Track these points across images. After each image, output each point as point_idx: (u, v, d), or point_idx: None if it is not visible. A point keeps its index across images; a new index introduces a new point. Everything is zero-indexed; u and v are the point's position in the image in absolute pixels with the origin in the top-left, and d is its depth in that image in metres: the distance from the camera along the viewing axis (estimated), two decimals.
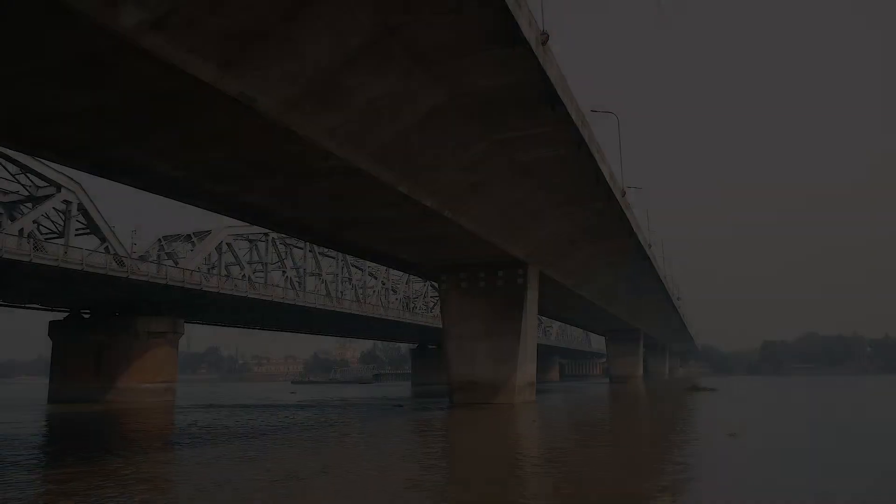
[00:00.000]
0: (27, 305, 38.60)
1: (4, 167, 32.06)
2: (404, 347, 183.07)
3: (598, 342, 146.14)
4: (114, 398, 35.39)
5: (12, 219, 33.73)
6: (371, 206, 19.27)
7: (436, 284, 76.01)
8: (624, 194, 24.75)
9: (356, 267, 58.97)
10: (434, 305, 77.84)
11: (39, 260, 27.64)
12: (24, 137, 15.01)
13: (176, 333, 37.86)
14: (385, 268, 64.84)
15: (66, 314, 39.46)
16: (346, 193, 17.78)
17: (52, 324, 38.74)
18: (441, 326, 68.77)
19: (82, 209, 34.23)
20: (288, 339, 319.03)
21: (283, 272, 48.87)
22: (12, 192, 34.33)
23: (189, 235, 43.85)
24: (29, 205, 34.71)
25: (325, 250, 54.68)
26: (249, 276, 44.50)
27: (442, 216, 20.14)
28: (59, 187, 33.11)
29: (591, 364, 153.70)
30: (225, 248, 43.63)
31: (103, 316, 37.37)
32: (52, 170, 32.58)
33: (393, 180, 16.70)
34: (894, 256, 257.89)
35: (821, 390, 49.85)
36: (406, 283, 69.90)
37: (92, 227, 35.13)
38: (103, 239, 35.14)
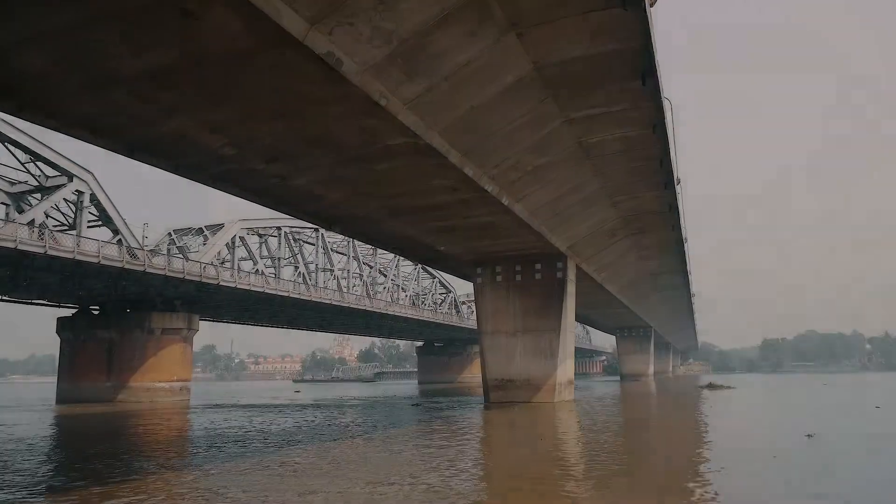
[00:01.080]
0: (33, 302, 37.00)
1: (13, 155, 30.48)
2: (403, 345, 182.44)
3: (596, 340, 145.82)
4: (127, 398, 33.94)
5: (20, 210, 32.17)
6: (427, 191, 17.96)
7: (446, 283, 75.32)
8: (678, 182, 23.55)
9: (366, 264, 57.72)
10: (441, 303, 76.78)
11: (55, 252, 26.14)
12: (60, 112, 13.67)
13: (191, 330, 36.43)
14: (394, 265, 63.81)
15: (75, 311, 37.91)
16: (405, 176, 16.46)
17: (61, 320, 37.18)
18: (453, 324, 67.54)
19: (94, 200, 32.70)
20: (283, 338, 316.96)
21: (296, 267, 47.49)
22: (20, 182, 32.76)
23: (200, 229, 42.45)
24: (37, 195, 33.17)
25: (337, 246, 53.37)
26: (262, 272, 43.07)
27: (499, 203, 18.88)
28: (70, 176, 31.57)
29: (591, 362, 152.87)
30: (238, 242, 42.21)
31: (115, 312, 35.84)
32: (64, 158, 31.06)
33: (459, 161, 15.41)
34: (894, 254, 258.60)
35: (840, 388, 49.02)
36: (416, 280, 68.65)
37: (104, 219, 33.63)
38: (116, 231, 33.64)
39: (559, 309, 27.49)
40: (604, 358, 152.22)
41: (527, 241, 24.76)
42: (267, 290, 38.19)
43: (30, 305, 37.70)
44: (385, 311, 53.91)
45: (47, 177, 32.43)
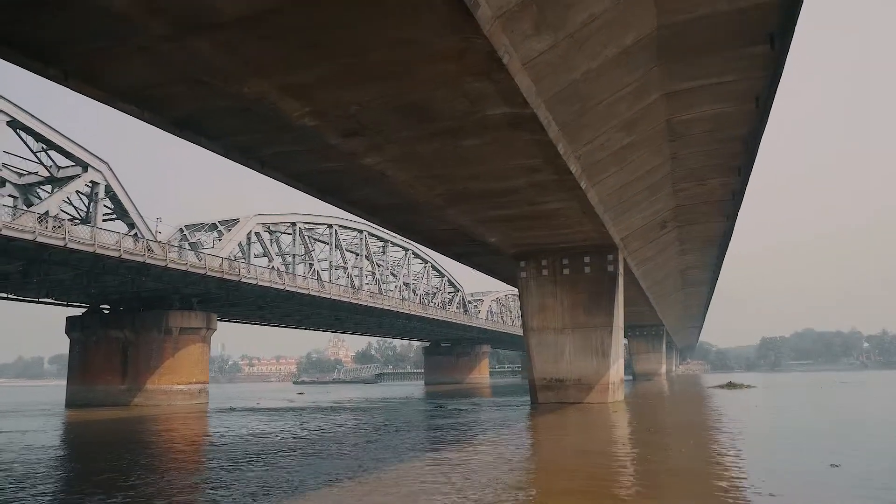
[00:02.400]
0: (40, 300, 34.99)
1: (25, 143, 28.59)
2: (400, 346, 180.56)
3: None
4: (144, 401, 32.08)
5: (28, 203, 30.27)
6: (504, 173, 16.48)
7: (455, 281, 73.74)
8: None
9: (378, 264, 56.10)
10: (449, 302, 75.13)
11: (76, 245, 24.32)
12: (110, 79, 12.12)
13: (209, 329, 34.60)
14: (405, 263, 62.16)
15: (84, 310, 35.99)
16: (489, 155, 14.96)
17: (71, 320, 35.25)
18: (469, 324, 66.11)
19: (110, 192, 30.85)
20: (274, 340, 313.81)
21: (310, 265, 45.78)
22: (30, 173, 30.85)
23: (214, 224, 40.71)
24: (47, 187, 31.29)
25: (347, 245, 51.61)
26: (277, 269, 41.33)
27: (576, 187, 17.44)
28: (85, 167, 29.72)
29: None
30: (253, 238, 40.50)
31: (130, 310, 33.97)
32: (79, 147, 29.22)
33: (556, 136, 13.94)
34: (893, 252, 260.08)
35: (857, 386, 48.13)
36: (427, 280, 67.02)
37: (119, 212, 31.78)
38: (132, 225, 31.80)
39: (610, 304, 26.09)
40: None
41: (584, 231, 23.37)
42: (299, 290, 36.58)
43: (26, 305, 35.74)
44: (409, 312, 52.30)
45: (59, 167, 30.55)
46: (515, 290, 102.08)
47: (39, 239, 22.96)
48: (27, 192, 31.22)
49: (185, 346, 33.07)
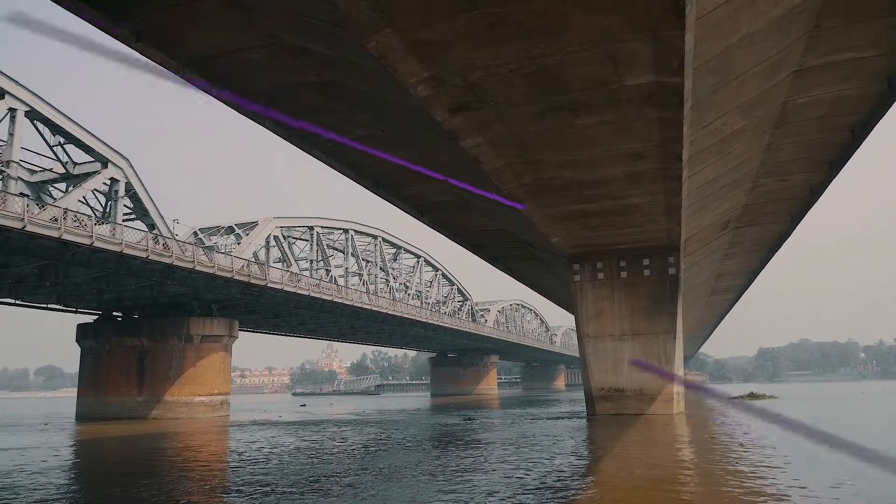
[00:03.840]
0: (49, 307, 32.83)
1: (41, 135, 26.63)
2: (396, 357, 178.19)
3: None
4: (162, 413, 29.99)
5: (41, 202, 28.25)
6: (603, 160, 14.96)
7: (464, 290, 72.10)
8: None
9: (391, 269, 54.36)
10: (456, 311, 73.30)
11: (102, 244, 22.40)
12: (187, 44, 10.63)
13: (231, 337, 32.60)
14: (417, 271, 60.37)
15: (96, 317, 33.87)
16: (599, 137, 13.47)
17: (82, 327, 33.10)
18: (493, 337, 64.39)
19: (130, 190, 28.92)
20: (265, 351, 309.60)
21: (328, 271, 43.95)
22: (44, 170, 28.86)
23: (230, 227, 38.84)
24: (62, 185, 29.33)
25: (363, 253, 49.78)
26: (295, 274, 39.46)
27: (677, 177, 15.93)
28: (105, 162, 27.80)
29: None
30: (272, 242, 38.65)
31: (146, 317, 31.93)
32: (99, 141, 27.33)
33: (686, 114, 12.41)
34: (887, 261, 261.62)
35: (879, 396, 47.04)
36: (438, 288, 65.27)
37: (139, 212, 29.83)
38: (152, 226, 29.83)
39: (672, 309, 24.59)
40: None
41: (652, 231, 21.93)
42: (324, 297, 34.72)
43: (8, 311, 33.60)
44: (431, 322, 50.53)
45: (75, 163, 28.59)
46: (519, 300, 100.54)
47: (65, 236, 21.02)
48: (39, 191, 29.19)
49: (207, 355, 31.03)
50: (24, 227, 19.79)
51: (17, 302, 31.06)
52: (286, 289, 32.15)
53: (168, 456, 15.92)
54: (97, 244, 22.09)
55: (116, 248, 23.04)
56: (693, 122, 13.45)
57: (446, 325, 53.53)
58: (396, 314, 45.22)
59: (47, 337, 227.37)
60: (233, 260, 29.17)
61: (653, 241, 23.44)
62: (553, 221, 20.52)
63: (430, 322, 51.84)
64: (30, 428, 27.59)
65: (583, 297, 25.87)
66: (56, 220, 21.09)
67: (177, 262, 25.53)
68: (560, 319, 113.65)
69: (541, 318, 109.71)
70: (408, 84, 10.67)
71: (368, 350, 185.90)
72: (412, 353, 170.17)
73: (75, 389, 35.07)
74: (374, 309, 41.82)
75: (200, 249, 28.37)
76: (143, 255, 24.05)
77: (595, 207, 19.11)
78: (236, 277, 28.79)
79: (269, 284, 30.95)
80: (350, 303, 38.96)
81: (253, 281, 29.78)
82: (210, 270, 27.30)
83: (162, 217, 30.12)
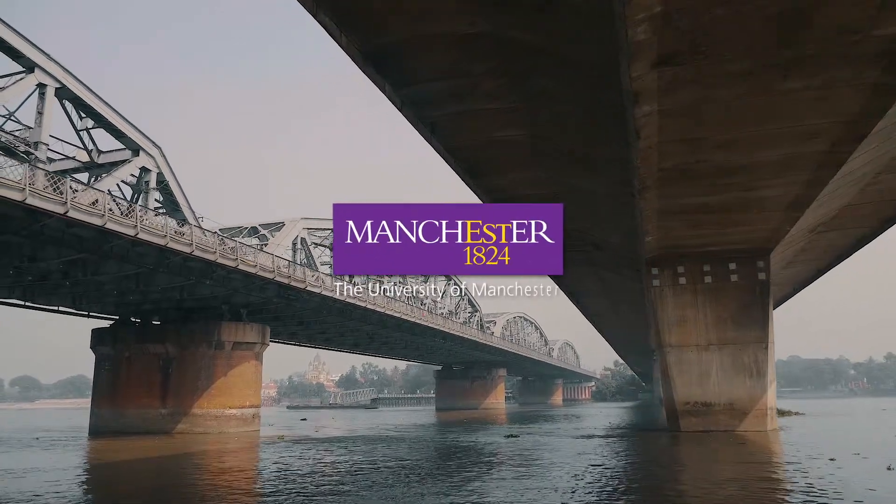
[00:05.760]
0: (61, 310, 29.99)
1: (69, 117, 24.13)
2: (388, 370, 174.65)
3: (585, 364, 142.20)
4: (190, 427, 27.33)
5: (60, 193, 25.62)
6: (774, 138, 13.12)
7: (474, 301, 69.92)
8: None
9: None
10: (466, 321, 71.04)
11: (147, 235, 19.95)
12: None
13: (263, 344, 30.08)
14: (431, 283, 58.18)
15: (112, 321, 31.11)
16: (791, 105, 11.59)
17: (99, 332, 30.30)
18: (516, 352, 62.15)
19: (162, 181, 26.45)
20: None
21: (350, 276, 41.59)
22: (67, 157, 26.28)
23: (255, 228, 36.32)
24: (84, 174, 26.74)
25: None
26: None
27: (838, 164, 14.24)
28: (137, 150, 25.34)
29: (580, 388, 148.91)
30: (299, 244, 36.26)
31: (171, 322, 29.29)
32: (132, 127, 24.91)
33: None
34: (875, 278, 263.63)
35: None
36: (450, 299, 63.05)
37: (169, 205, 27.33)
38: (183, 221, 27.29)
39: (764, 316, 22.83)
40: (592, 384, 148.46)
41: (762, 230, 20.18)
42: (359, 303, 32.34)
43: (53, 316, 30.74)
44: (460, 334, 48.35)
45: (100, 151, 26.07)
46: (522, 313, 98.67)
47: (109, 225, 18.56)
48: (57, 182, 26.56)
49: (239, 364, 28.46)
50: (67, 211, 17.35)
51: (27, 304, 28.28)
52: (325, 293, 29.69)
53: (219, 482, 13.45)
54: (141, 235, 19.65)
55: (161, 242, 20.62)
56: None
57: (468, 337, 51.38)
58: (432, 326, 42.95)
59: (24, 345, 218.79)
60: (274, 259, 26.73)
61: (748, 242, 21.68)
62: (661, 216, 18.60)
63: (454, 333, 49.60)
64: (19, 443, 24.66)
65: (663, 304, 23.95)
66: (97, 202, 18.62)
67: (220, 260, 23.11)
68: (555, 334, 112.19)
69: (540, 332, 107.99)
70: (632, 21, 8.67)
71: (357, 363, 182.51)
72: (402, 367, 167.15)
73: (53, 402, 32.15)
74: (402, 317, 39.50)
75: (245, 247, 25.89)
76: (188, 250, 21.63)
77: (715, 200, 17.23)
78: (276, 279, 26.39)
79: (309, 287, 28.53)
80: (400, 315, 36.60)
81: (293, 283, 27.39)
82: (253, 270, 24.89)
83: (193, 212, 27.65)
